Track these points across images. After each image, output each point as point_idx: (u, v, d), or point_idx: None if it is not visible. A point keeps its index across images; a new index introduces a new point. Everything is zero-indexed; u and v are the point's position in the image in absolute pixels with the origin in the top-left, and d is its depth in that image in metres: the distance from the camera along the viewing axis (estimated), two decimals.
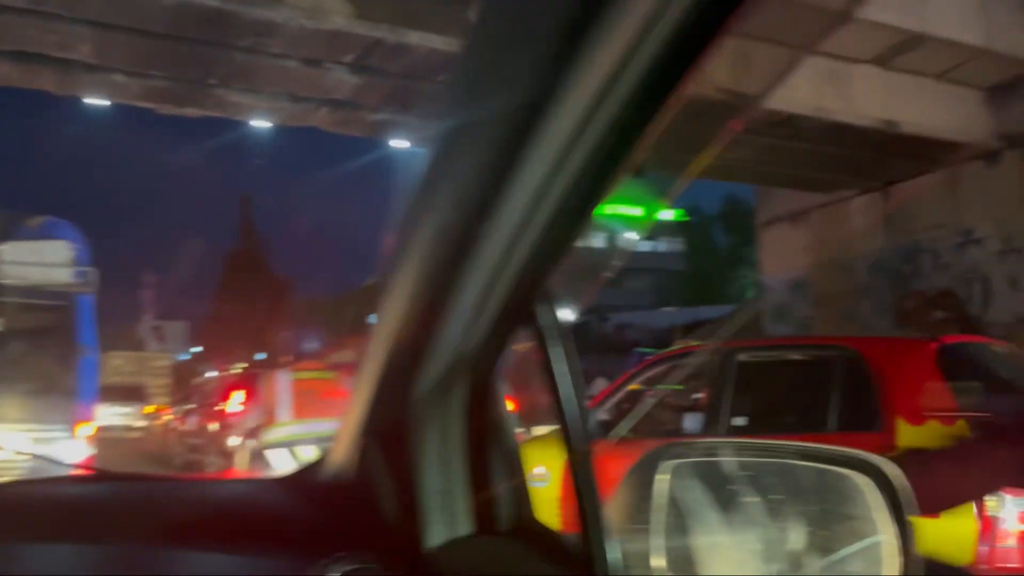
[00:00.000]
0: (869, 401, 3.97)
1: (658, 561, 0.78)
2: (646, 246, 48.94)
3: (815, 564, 0.81)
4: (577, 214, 0.68)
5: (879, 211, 13.52)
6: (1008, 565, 3.38)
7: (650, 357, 5.46)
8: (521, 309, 0.77)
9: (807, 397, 4.39)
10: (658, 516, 0.79)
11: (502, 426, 0.88)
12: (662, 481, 0.81)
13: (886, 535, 0.77)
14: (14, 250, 6.28)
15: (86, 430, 6.03)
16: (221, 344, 30.44)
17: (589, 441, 0.75)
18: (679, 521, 0.80)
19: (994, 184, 11.81)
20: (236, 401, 10.50)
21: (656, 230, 48.05)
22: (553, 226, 0.69)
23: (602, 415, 4.90)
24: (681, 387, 6.06)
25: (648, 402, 5.54)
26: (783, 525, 0.81)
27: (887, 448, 3.74)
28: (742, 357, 4.69)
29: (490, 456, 0.87)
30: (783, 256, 15.16)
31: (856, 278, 13.83)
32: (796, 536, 0.81)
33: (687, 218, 42.59)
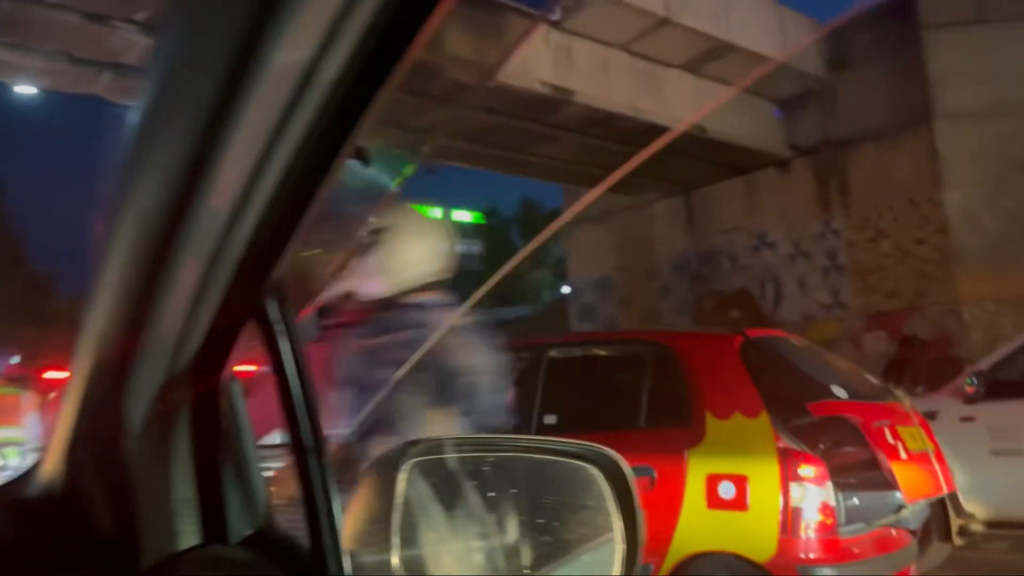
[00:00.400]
0: (678, 396, 4.01)
1: (395, 562, 0.76)
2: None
3: (552, 556, 0.84)
4: (296, 201, 0.65)
5: (681, 214, 14.09)
6: (808, 556, 3.52)
7: None
8: (247, 303, 0.73)
9: (619, 393, 4.38)
10: (396, 516, 0.78)
11: (235, 429, 0.84)
12: (401, 480, 0.79)
13: (617, 527, 0.82)
14: None
15: None
16: None
17: (320, 442, 0.73)
18: (417, 520, 0.79)
19: (785, 191, 12.65)
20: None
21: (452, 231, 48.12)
22: (271, 214, 0.64)
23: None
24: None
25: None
26: (521, 519, 0.83)
27: (696, 442, 3.80)
28: (552, 353, 4.62)
29: (220, 461, 0.83)
30: (590, 256, 15.49)
31: (659, 279, 14.33)
32: (533, 529, 0.83)
33: (483, 220, 43.08)
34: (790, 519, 3.47)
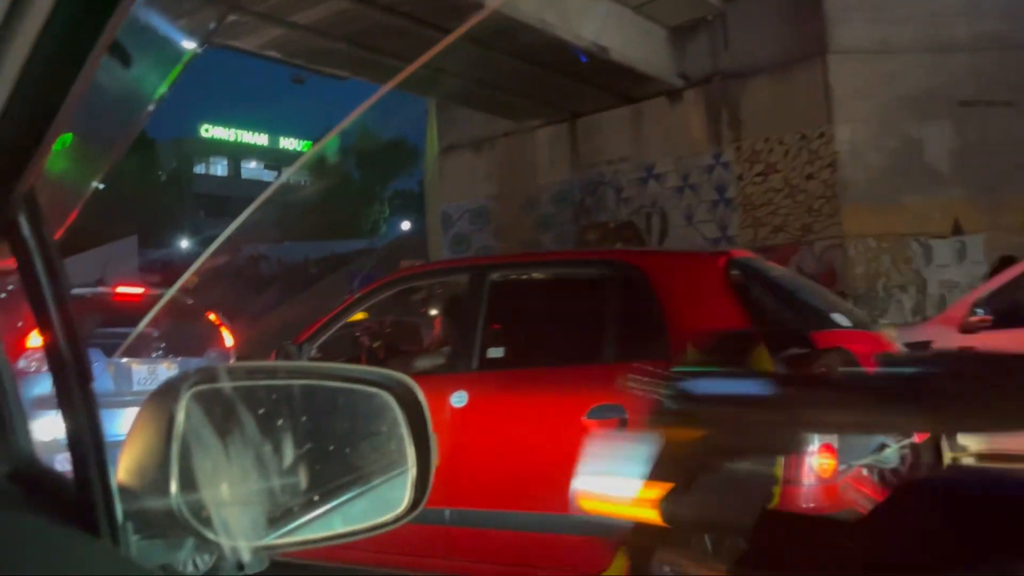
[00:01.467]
0: (652, 326, 3.52)
1: (174, 493, 0.73)
2: (268, 175, 47.38)
3: (345, 483, 0.85)
4: (43, 101, 0.60)
5: (565, 143, 13.65)
6: (811, 504, 3.22)
7: (376, 280, 4.78)
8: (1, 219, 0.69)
9: (578, 323, 3.92)
10: (175, 447, 0.74)
11: None
12: (181, 410, 0.75)
13: (410, 454, 0.85)
14: None
15: None
16: None
17: (83, 367, 0.70)
18: (197, 451, 0.76)
19: (675, 122, 12.47)
20: None
21: (278, 159, 46.51)
22: (13, 115, 0.60)
23: (315, 352, 4.19)
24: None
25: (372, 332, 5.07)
26: (310, 446, 0.83)
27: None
28: (495, 276, 4.05)
29: None
30: (464, 184, 14.80)
31: (539, 208, 13.87)
32: (324, 456, 0.84)
33: (310, 148, 41.65)
34: (792, 464, 3.13)
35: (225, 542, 0.75)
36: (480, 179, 14.86)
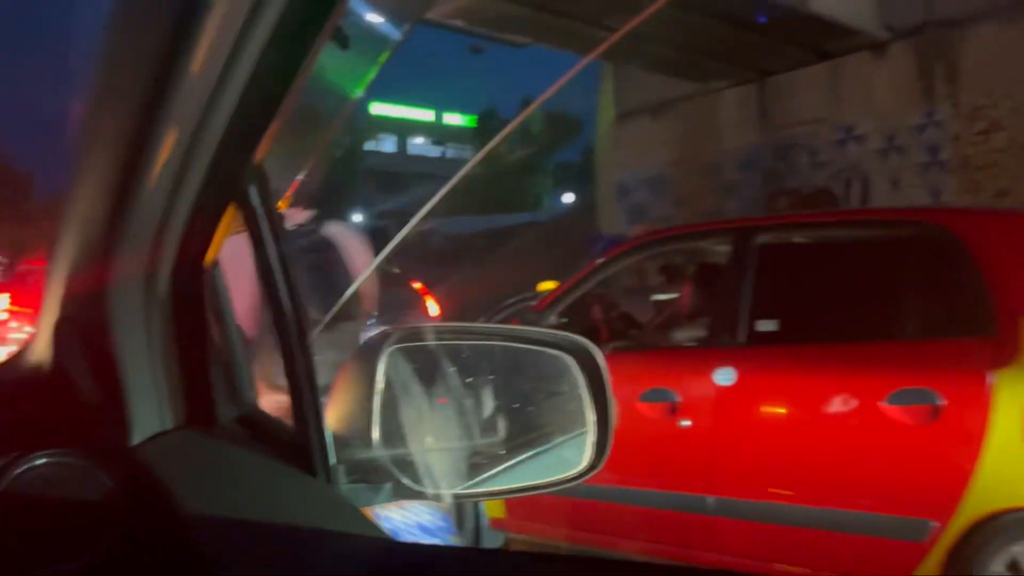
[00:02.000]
0: (971, 296, 3.03)
1: (376, 437, 0.80)
2: (433, 151, 48.68)
3: (525, 441, 0.89)
4: (276, 81, 0.67)
5: (752, 104, 12.90)
6: None
7: (620, 244, 4.43)
8: (228, 187, 0.76)
9: (870, 292, 3.41)
10: (377, 400, 0.81)
11: (219, 313, 0.88)
12: (382, 366, 0.82)
13: (589, 417, 0.87)
14: None
15: None
16: None
17: (303, 327, 0.77)
18: (397, 403, 0.83)
19: (879, 78, 11.43)
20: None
21: (442, 136, 47.58)
22: (252, 94, 0.67)
23: (555, 320, 3.95)
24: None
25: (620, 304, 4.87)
26: (496, 403, 0.87)
27: (1008, 359, 2.84)
28: (765, 239, 3.62)
29: (204, 346, 0.86)
30: (640, 152, 14.32)
31: (723, 175, 13.20)
32: (508, 413, 0.88)
33: (476, 123, 42.36)
34: None
35: (421, 488, 0.81)
36: (659, 146, 14.41)
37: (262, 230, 0.76)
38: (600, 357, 0.89)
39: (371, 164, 44.24)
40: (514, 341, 0.94)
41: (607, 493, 3.43)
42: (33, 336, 0.98)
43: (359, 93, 0.98)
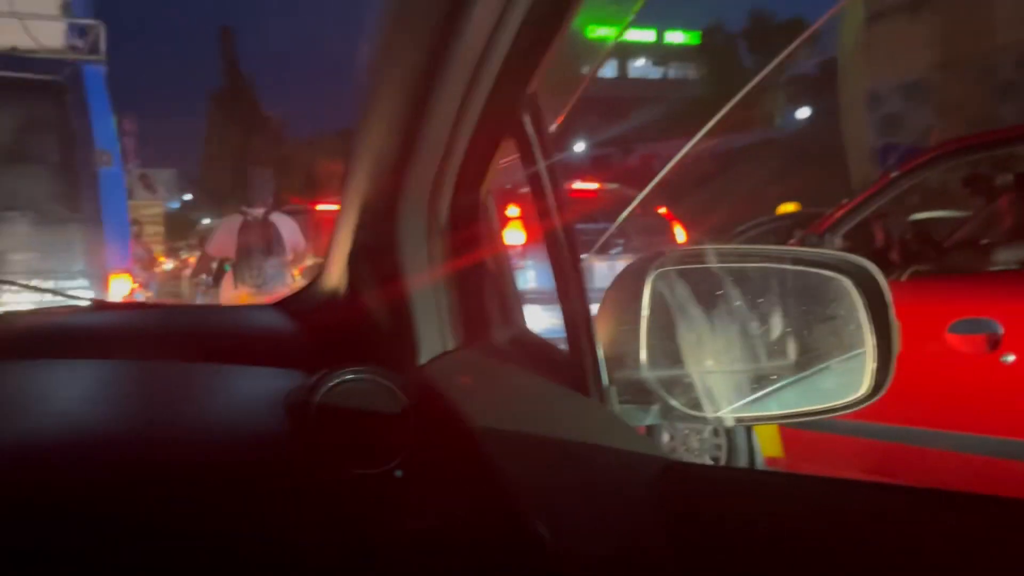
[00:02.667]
0: None
1: (643, 359, 0.82)
2: (655, 73, 47.35)
3: (800, 365, 0.87)
4: (551, 12, 0.69)
5: None
6: None
7: (919, 154, 3.76)
8: (505, 119, 0.79)
9: None
10: (644, 321, 0.82)
11: (491, 240, 0.92)
12: (649, 287, 0.83)
13: (868, 342, 0.85)
14: None
15: (121, 286, 3.83)
16: (215, 190, 29.70)
17: (575, 253, 0.79)
18: (665, 322, 0.84)
19: None
20: None
21: (666, 56, 46.15)
22: (526, 26, 0.70)
23: (839, 242, 3.64)
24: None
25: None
26: (768, 324, 0.87)
27: None
28: None
29: (479, 271, 0.91)
30: (895, 57, 13.00)
31: (998, 76, 11.68)
32: (781, 334, 0.87)
33: (700, 40, 40.40)
34: None
35: (689, 411, 0.82)
36: (917, 48, 13.01)
37: (536, 159, 0.78)
38: (882, 279, 0.85)
39: (589, 91, 43.90)
40: (786, 263, 0.91)
41: (906, 435, 3.12)
42: (328, 263, 1.08)
43: (624, 25, 0.97)
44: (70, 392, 0.96)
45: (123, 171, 4.08)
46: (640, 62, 47.20)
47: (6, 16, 3.89)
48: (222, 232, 5.37)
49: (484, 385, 0.87)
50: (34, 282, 3.65)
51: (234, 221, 5.27)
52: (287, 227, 5.62)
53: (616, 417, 0.81)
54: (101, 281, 3.90)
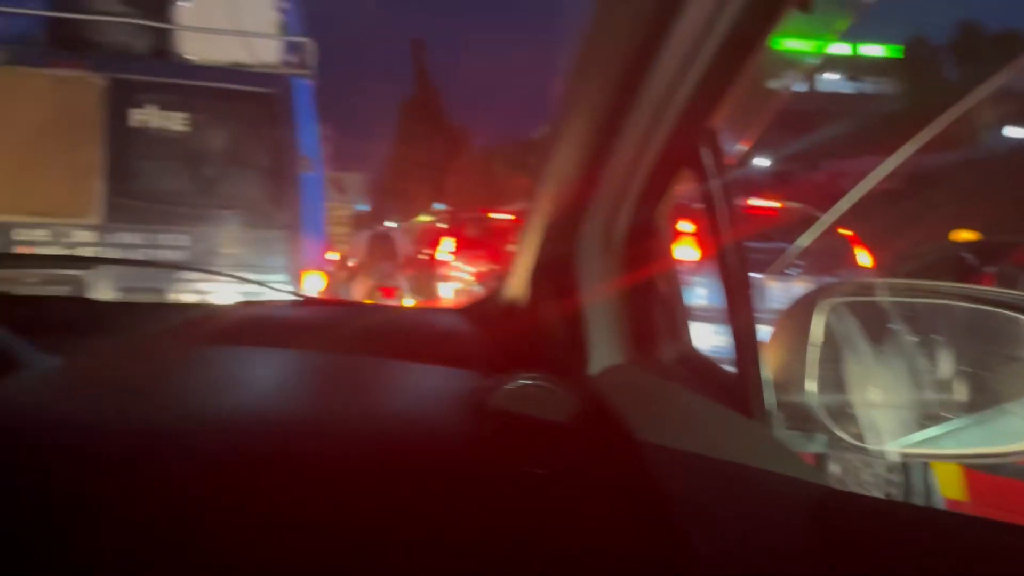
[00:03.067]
0: None
1: (811, 388, 0.82)
2: (847, 87, 45.08)
3: (976, 405, 0.84)
4: (742, 50, 0.70)
5: None
6: None
7: None
8: (684, 149, 0.81)
9: None
10: (814, 351, 0.83)
11: (663, 261, 0.95)
12: (819, 320, 0.84)
13: None
14: (194, 8, 4.29)
15: (315, 282, 4.14)
16: (399, 194, 31.10)
17: (745, 278, 0.81)
18: (833, 352, 0.84)
19: None
20: (446, 249, 11.12)
21: (860, 69, 43.82)
22: (717, 63, 0.71)
23: None
24: None
25: None
26: (943, 363, 0.85)
27: None
28: None
29: (651, 289, 0.95)
30: None
31: None
32: (954, 372, 0.85)
33: (901, 53, 37.86)
34: None
35: (854, 442, 0.81)
36: None
37: (712, 188, 0.80)
38: None
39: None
40: (964, 300, 0.89)
41: None
42: (510, 274, 1.16)
43: (813, 59, 0.97)
44: (272, 377, 1.08)
45: (322, 176, 4.42)
46: (830, 75, 44.99)
47: (231, 34, 4.33)
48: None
49: (650, 399, 0.90)
50: (241, 275, 4.02)
51: (365, 234, 6.22)
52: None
53: (779, 442, 0.82)
54: (298, 276, 4.25)
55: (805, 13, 0.70)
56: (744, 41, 0.70)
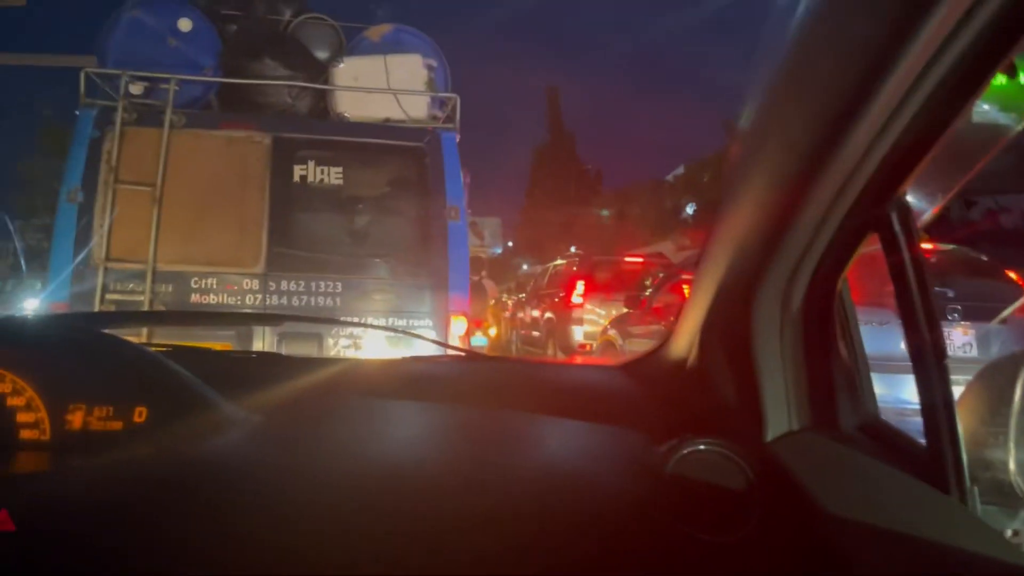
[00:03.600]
0: None
1: (1012, 467, 0.77)
2: (1006, 119, 42.26)
3: None
4: (940, 119, 0.68)
5: None
6: None
7: None
8: (871, 214, 0.80)
9: None
10: (1015, 422, 0.78)
11: (846, 327, 0.92)
12: (1020, 388, 0.79)
13: None
14: (347, 70, 4.55)
15: (459, 327, 4.26)
16: (534, 238, 31.52)
17: (939, 345, 0.77)
18: None
19: None
20: (578, 292, 11.30)
21: (1018, 101, 41.03)
22: (915, 128, 0.69)
23: None
24: None
25: None
26: None
27: None
28: None
29: (831, 355, 0.91)
30: None
31: None
32: None
33: None
34: None
35: None
36: None
37: (903, 256, 0.77)
38: None
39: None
40: None
41: None
42: (675, 333, 1.15)
43: (1014, 123, 0.92)
44: (444, 431, 1.11)
45: (466, 223, 4.56)
46: (987, 106, 42.32)
47: (385, 93, 4.58)
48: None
49: (832, 469, 0.86)
50: (390, 320, 4.21)
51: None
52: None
53: (980, 521, 0.77)
54: (443, 321, 4.38)
55: (1011, 79, 0.68)
56: (943, 110, 0.68)
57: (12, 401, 0.94)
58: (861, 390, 0.94)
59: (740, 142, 0.87)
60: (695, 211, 24.91)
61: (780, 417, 0.92)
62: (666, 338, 1.20)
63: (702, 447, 0.89)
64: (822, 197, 0.79)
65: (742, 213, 0.90)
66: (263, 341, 3.99)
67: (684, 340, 1.11)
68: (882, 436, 0.90)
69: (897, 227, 0.78)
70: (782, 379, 0.92)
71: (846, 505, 0.79)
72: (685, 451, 0.89)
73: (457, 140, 4.53)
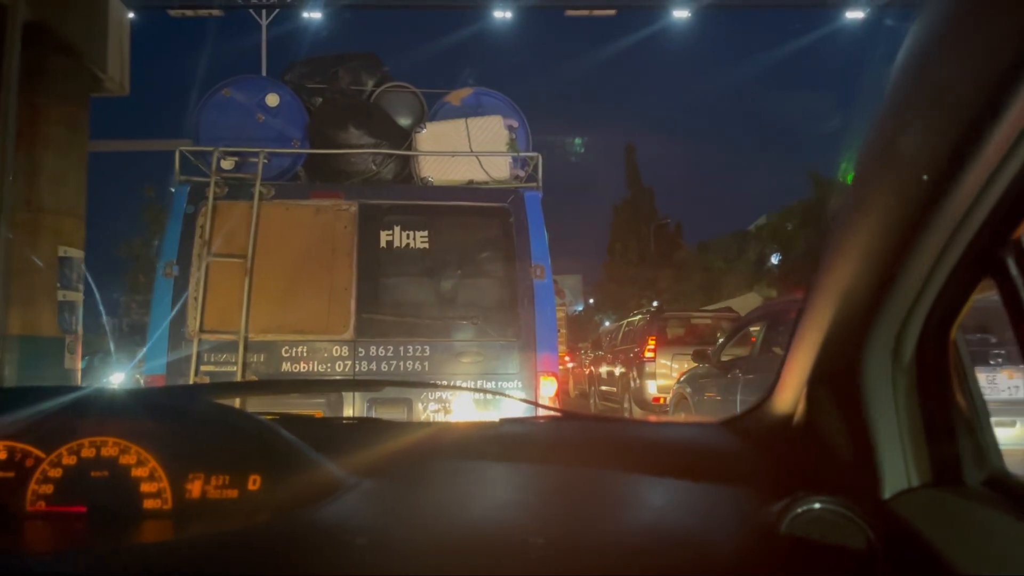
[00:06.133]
0: None
1: None
2: None
3: None
4: None
5: None
6: None
7: None
8: (987, 258, 0.78)
9: None
10: None
11: (962, 376, 0.90)
12: None
13: None
14: (430, 135, 4.68)
15: (549, 387, 4.25)
16: (615, 295, 31.55)
17: None
18: None
19: None
20: (650, 347, 11.64)
21: None
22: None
23: None
24: None
25: None
26: None
27: None
28: None
29: (949, 406, 0.89)
30: None
31: None
32: None
33: None
34: None
35: None
36: None
37: (1020, 299, 0.74)
38: None
39: None
40: None
41: None
42: (778, 387, 1.12)
43: None
44: (547, 494, 1.10)
45: (551, 282, 4.59)
46: None
47: (468, 155, 4.70)
48: None
49: (960, 527, 0.83)
50: (479, 382, 4.23)
51: None
52: None
53: None
54: (533, 381, 4.39)
55: None
56: None
57: (137, 472, 0.99)
58: (983, 441, 0.90)
59: (844, 190, 0.87)
60: (780, 261, 24.42)
61: (897, 473, 0.89)
62: (768, 392, 1.18)
63: (817, 505, 0.87)
64: (934, 242, 0.77)
65: (847, 261, 0.88)
66: (353, 407, 4.07)
67: (789, 394, 1.08)
68: (1012, 491, 0.86)
69: (1014, 272, 0.75)
70: (897, 432, 0.89)
71: (978, 565, 0.76)
72: (799, 510, 0.87)
73: (540, 198, 4.60)
